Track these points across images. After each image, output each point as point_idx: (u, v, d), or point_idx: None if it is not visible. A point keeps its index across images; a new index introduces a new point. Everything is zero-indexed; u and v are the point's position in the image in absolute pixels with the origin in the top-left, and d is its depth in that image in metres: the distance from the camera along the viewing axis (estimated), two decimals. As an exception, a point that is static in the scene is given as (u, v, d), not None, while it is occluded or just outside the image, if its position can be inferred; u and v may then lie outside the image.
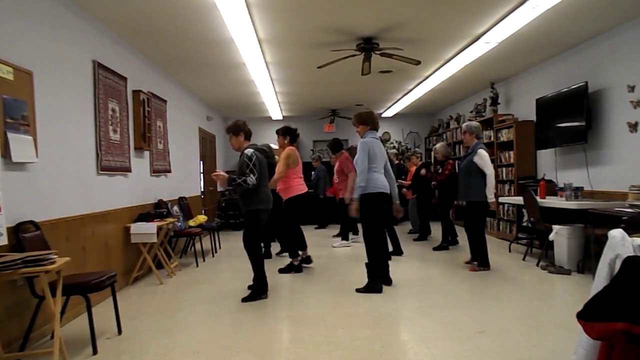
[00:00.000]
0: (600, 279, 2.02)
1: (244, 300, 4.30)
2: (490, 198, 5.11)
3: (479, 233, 5.30)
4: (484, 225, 5.48)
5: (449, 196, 7.06)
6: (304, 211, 5.73)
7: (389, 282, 4.66)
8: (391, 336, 3.33)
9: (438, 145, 7.34)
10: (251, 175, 4.26)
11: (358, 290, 4.45)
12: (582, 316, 1.87)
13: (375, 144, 4.57)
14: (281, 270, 5.52)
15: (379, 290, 4.42)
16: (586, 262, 5.06)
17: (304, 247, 5.74)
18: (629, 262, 1.84)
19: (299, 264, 5.57)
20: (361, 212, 4.47)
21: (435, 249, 6.84)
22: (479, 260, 5.29)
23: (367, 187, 4.42)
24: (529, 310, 3.81)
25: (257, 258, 4.45)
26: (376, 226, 4.54)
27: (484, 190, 5.12)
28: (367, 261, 4.56)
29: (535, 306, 3.96)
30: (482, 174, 5.15)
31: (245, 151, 4.37)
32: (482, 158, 5.15)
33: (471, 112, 8.92)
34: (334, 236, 8.47)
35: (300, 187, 5.49)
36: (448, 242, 6.95)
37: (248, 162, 4.28)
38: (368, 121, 4.66)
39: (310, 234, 8.69)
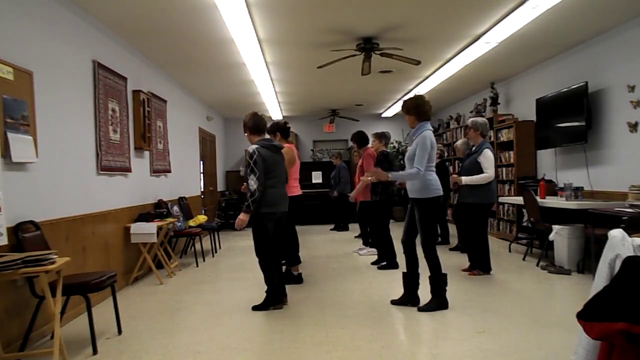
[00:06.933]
0: (600, 279, 2.02)
1: (255, 308, 3.99)
2: (463, 181, 4.94)
3: (482, 237, 5.05)
4: (486, 229, 5.24)
5: (446, 195, 6.87)
6: (300, 214, 5.27)
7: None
8: (391, 336, 3.32)
9: (459, 142, 6.85)
10: (251, 176, 3.72)
11: (422, 309, 3.83)
12: (582, 316, 1.87)
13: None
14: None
15: (446, 306, 3.86)
16: (586, 262, 5.06)
17: (297, 260, 5.05)
18: (629, 262, 1.84)
19: (298, 274, 4.99)
20: (423, 218, 3.85)
21: (454, 249, 6.62)
22: (481, 265, 5.05)
23: (428, 189, 3.82)
24: (529, 310, 3.81)
25: (265, 266, 3.97)
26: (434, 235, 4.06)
27: (487, 192, 4.94)
28: (430, 275, 3.91)
29: (535, 306, 3.95)
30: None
31: (248, 148, 3.90)
32: (487, 159, 4.93)
33: (471, 112, 8.92)
34: (356, 237, 8.14)
35: (294, 189, 5.00)
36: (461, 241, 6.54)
37: (249, 160, 3.77)
38: (423, 109, 4.03)
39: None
